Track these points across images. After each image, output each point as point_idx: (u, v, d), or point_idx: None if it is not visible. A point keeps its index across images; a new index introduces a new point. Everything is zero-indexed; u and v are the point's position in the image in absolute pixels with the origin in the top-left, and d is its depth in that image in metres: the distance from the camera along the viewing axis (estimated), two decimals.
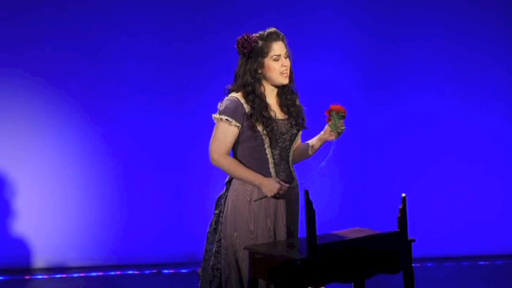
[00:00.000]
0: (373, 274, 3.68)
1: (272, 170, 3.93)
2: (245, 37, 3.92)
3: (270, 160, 3.92)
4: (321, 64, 6.88)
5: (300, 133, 4.04)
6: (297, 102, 4.04)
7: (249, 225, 3.89)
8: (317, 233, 3.48)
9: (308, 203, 3.47)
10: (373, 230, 3.91)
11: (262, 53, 3.91)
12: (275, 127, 3.90)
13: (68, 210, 6.78)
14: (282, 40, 3.93)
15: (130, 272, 6.69)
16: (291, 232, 3.98)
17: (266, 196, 3.88)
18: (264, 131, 3.88)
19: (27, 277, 6.57)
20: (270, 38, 3.92)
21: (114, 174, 6.85)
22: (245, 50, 3.91)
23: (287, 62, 3.93)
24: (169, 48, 6.84)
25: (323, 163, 3.88)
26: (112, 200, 6.83)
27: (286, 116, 3.98)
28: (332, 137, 3.90)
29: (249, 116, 3.87)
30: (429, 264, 6.82)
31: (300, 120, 4.01)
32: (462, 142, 7.08)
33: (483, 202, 7.08)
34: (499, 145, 7.13)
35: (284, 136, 3.94)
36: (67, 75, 6.75)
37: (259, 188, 3.88)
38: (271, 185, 3.86)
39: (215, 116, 3.91)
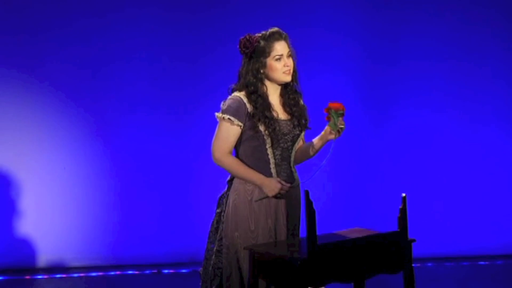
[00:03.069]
0: (373, 274, 3.68)
1: (273, 170, 3.92)
2: (247, 37, 3.92)
3: (272, 160, 3.92)
4: (321, 77, 6.87)
5: (303, 133, 4.04)
6: (300, 102, 4.02)
7: (250, 224, 3.89)
8: (317, 233, 3.48)
9: (308, 203, 3.47)
10: (373, 230, 3.91)
11: (264, 53, 3.89)
12: (277, 128, 3.89)
13: (68, 210, 6.77)
14: (285, 40, 3.92)
15: (130, 272, 6.69)
16: (292, 232, 3.98)
17: (267, 196, 3.88)
18: (266, 132, 3.87)
19: (27, 277, 6.57)
20: (272, 38, 3.90)
21: (115, 174, 6.85)
22: (247, 50, 3.90)
23: (289, 62, 3.92)
24: (173, 63, 6.86)
25: (323, 162, 3.88)
26: (112, 200, 6.83)
27: (289, 117, 3.97)
28: (332, 136, 3.89)
29: (252, 116, 3.87)
30: (429, 264, 6.82)
31: (303, 120, 4.00)
32: (462, 142, 7.08)
33: (483, 202, 7.08)
34: (498, 145, 7.13)
35: (286, 137, 3.93)
36: (74, 85, 6.79)
37: (260, 188, 3.88)
38: (272, 185, 3.86)
39: (218, 114, 3.91)
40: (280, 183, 3.86)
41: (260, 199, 3.88)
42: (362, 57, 6.99)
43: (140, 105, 6.84)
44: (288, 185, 3.89)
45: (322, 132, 3.94)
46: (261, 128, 3.87)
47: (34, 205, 6.74)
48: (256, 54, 3.90)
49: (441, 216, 7.02)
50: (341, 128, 3.85)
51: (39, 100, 6.76)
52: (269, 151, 3.90)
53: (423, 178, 7.01)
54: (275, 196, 3.88)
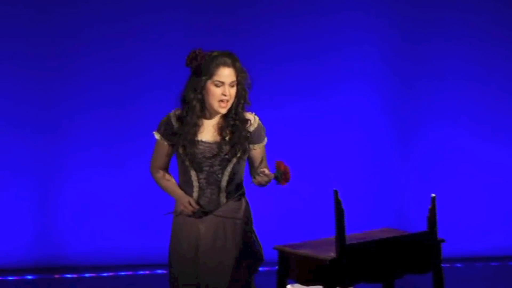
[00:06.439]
0: (403, 274, 3.68)
1: (195, 194, 3.80)
2: (197, 51, 3.70)
3: (195, 184, 3.78)
4: (348, 96, 6.87)
5: (236, 160, 3.78)
6: (242, 129, 3.76)
7: (173, 237, 3.92)
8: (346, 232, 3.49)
9: (337, 203, 3.48)
10: (402, 230, 3.92)
11: (207, 73, 3.67)
12: (196, 151, 3.73)
13: (68, 210, 6.75)
14: (234, 67, 3.68)
15: (129, 272, 6.67)
16: (208, 260, 3.85)
17: (181, 212, 3.82)
18: (183, 153, 3.75)
19: (28, 277, 6.53)
20: (219, 61, 3.67)
21: (115, 174, 6.83)
22: (191, 65, 3.70)
23: (230, 91, 3.68)
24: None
25: (236, 195, 3.81)
26: (112, 200, 6.82)
27: (219, 140, 3.76)
28: (255, 181, 3.74)
29: (174, 135, 3.77)
30: (458, 265, 6.84)
31: (237, 148, 3.75)
32: (483, 147, 7.10)
33: None
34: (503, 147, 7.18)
35: (210, 161, 3.74)
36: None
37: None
38: (182, 201, 3.78)
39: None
40: (190, 202, 3.75)
41: (171, 213, 3.88)
42: (387, 70, 6.99)
43: (144, 107, 6.84)
44: (196, 207, 3.75)
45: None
46: (180, 150, 3.75)
47: (34, 204, 6.71)
48: (200, 72, 3.68)
49: (470, 215, 6.96)
50: (259, 180, 3.70)
51: (43, 106, 6.76)
52: (192, 173, 3.76)
53: (451, 178, 6.94)
54: (188, 215, 3.79)
